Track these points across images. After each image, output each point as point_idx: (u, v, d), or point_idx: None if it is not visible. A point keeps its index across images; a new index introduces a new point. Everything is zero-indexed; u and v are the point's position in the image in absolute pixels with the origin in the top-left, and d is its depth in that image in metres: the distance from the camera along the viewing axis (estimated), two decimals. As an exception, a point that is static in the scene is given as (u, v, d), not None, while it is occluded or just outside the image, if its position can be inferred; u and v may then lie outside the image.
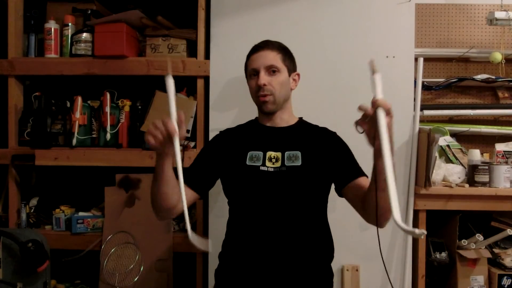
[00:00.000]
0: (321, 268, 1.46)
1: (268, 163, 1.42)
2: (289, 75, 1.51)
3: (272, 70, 1.45)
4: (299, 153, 1.43)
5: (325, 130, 1.56)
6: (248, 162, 1.44)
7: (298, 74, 1.57)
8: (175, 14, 2.24)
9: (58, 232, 2.17)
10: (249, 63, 1.50)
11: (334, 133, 1.56)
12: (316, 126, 1.58)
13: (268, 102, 1.45)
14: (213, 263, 1.61)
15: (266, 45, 1.48)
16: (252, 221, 1.42)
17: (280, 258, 1.38)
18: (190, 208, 1.96)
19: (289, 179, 1.40)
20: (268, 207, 1.40)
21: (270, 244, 1.38)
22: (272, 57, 1.46)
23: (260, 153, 1.44)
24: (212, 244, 1.82)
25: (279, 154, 1.43)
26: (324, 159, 1.45)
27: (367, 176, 1.42)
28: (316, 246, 1.44)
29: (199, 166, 1.51)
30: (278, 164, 1.42)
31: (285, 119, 1.51)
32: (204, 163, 1.51)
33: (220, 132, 1.61)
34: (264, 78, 1.44)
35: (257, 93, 1.46)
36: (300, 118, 1.59)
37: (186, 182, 1.41)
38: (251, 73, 1.49)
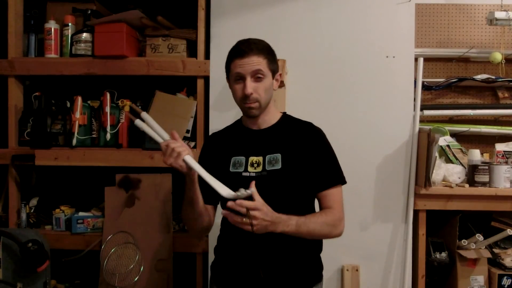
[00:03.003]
0: (309, 260, 1.49)
1: (250, 169, 1.44)
2: (273, 78, 1.48)
3: (257, 77, 1.41)
4: (279, 156, 1.44)
5: (309, 126, 1.53)
6: (231, 169, 1.45)
7: (281, 74, 1.55)
8: (175, 14, 2.24)
9: (58, 232, 2.17)
10: (233, 66, 1.43)
11: (317, 131, 1.52)
12: (299, 121, 1.55)
13: (254, 108, 1.44)
14: (212, 260, 1.62)
15: (251, 49, 1.41)
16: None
17: (269, 253, 1.40)
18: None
19: (270, 183, 1.41)
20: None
21: (259, 241, 1.39)
22: (259, 63, 1.41)
23: (243, 158, 1.46)
24: (210, 240, 1.82)
25: (260, 159, 1.45)
26: (304, 160, 1.45)
27: (342, 183, 1.50)
28: (302, 239, 1.44)
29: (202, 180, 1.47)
30: (260, 169, 1.44)
31: (267, 120, 1.51)
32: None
33: (208, 136, 1.62)
34: (250, 86, 1.40)
35: (243, 101, 1.43)
36: (284, 113, 1.57)
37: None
38: (236, 77, 1.43)
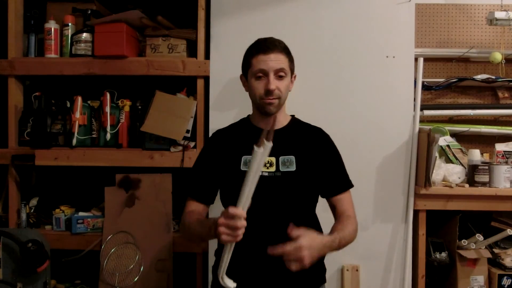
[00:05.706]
0: (315, 262, 1.45)
1: (262, 168, 1.41)
2: (291, 78, 1.50)
3: (279, 75, 1.43)
4: (293, 158, 1.45)
5: (319, 131, 1.57)
6: (242, 168, 1.43)
7: (295, 76, 1.56)
8: (175, 14, 2.24)
9: (58, 232, 2.17)
10: (255, 62, 1.43)
11: (327, 136, 1.56)
12: (309, 126, 1.58)
13: (273, 105, 1.43)
14: (212, 261, 1.61)
15: (275, 46, 1.44)
16: (247, 223, 1.42)
17: (274, 257, 1.36)
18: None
19: (284, 184, 1.42)
20: (262, 210, 1.41)
21: (263, 243, 1.37)
22: (282, 61, 1.43)
23: None
24: (210, 242, 1.79)
25: (273, 159, 1.44)
26: (317, 164, 1.48)
27: (351, 187, 1.52)
28: None
29: (203, 177, 1.50)
30: (273, 169, 1.43)
31: (280, 120, 1.51)
32: (206, 172, 1.50)
33: (213, 134, 1.59)
34: (274, 82, 1.41)
35: (264, 96, 1.43)
36: (293, 117, 1.59)
37: (195, 197, 1.48)
38: (258, 73, 1.43)
